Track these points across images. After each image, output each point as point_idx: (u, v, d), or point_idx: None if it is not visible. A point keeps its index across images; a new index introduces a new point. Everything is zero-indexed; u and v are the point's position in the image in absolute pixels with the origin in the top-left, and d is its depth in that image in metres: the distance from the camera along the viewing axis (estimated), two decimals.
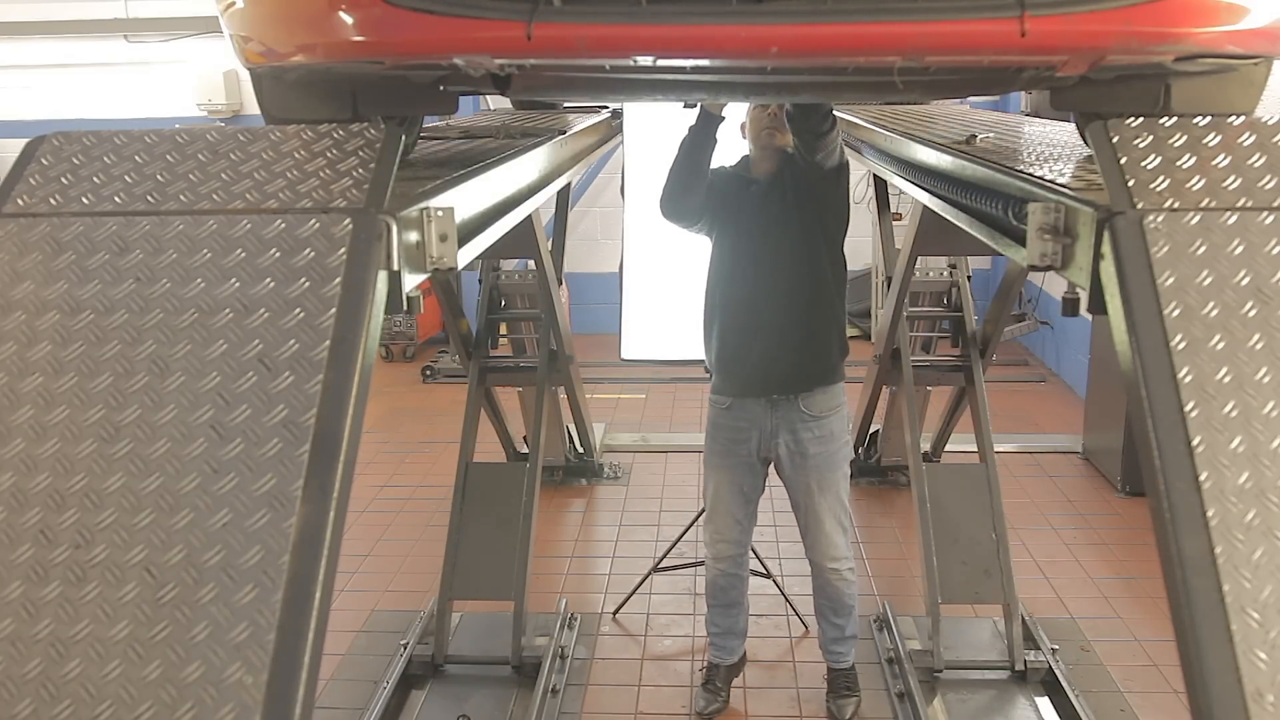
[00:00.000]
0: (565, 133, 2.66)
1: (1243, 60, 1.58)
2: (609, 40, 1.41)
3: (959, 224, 1.96)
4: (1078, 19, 1.35)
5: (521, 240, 3.75)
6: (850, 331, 7.84)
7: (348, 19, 1.44)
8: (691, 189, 3.08)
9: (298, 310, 1.26)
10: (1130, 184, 1.34)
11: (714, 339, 3.23)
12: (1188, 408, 1.15)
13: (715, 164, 3.18)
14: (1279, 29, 1.47)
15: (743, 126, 3.23)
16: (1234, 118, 1.46)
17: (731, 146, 3.21)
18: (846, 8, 1.35)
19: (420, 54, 1.48)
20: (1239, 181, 1.34)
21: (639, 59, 1.50)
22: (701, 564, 4.32)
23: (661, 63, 1.56)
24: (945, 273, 4.53)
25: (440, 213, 1.44)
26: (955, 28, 1.35)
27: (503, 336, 4.95)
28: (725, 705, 3.47)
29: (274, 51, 1.65)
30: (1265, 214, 1.30)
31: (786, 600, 4.07)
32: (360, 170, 1.43)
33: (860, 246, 8.10)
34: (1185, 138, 1.41)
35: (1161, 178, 1.35)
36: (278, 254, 1.31)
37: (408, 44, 1.44)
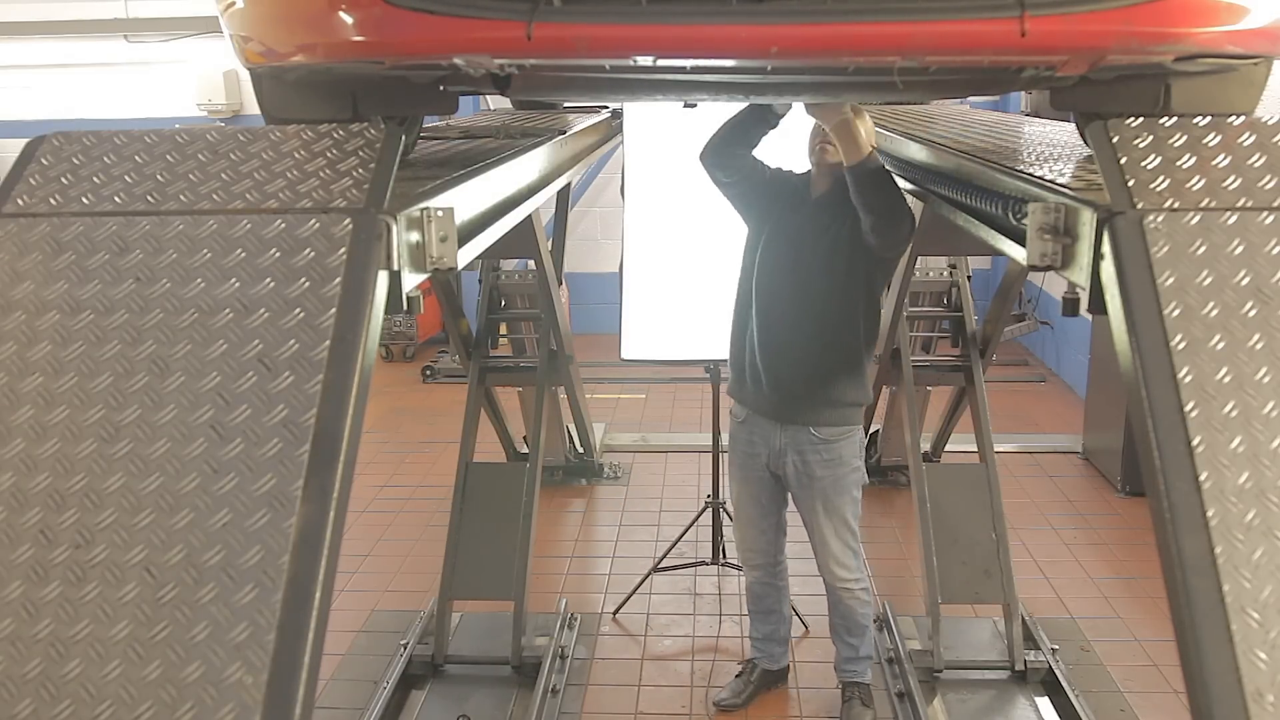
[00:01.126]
0: (565, 133, 2.66)
1: (1243, 60, 1.58)
2: (609, 40, 1.41)
3: (959, 224, 1.97)
4: (1078, 19, 1.35)
5: (521, 240, 3.75)
6: None
7: (348, 19, 1.44)
8: (734, 148, 3.00)
9: (298, 310, 1.26)
10: (1130, 184, 1.35)
11: (735, 344, 3.17)
12: (1188, 408, 1.15)
13: (786, 169, 3.13)
14: (1277, 29, 1.47)
15: (809, 145, 3.08)
16: (1234, 118, 1.46)
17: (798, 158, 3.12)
18: (846, 8, 1.35)
19: (420, 54, 1.48)
20: (1239, 181, 1.34)
21: (639, 59, 1.50)
22: (702, 564, 4.35)
23: (662, 63, 1.56)
24: (945, 273, 4.53)
25: (440, 213, 1.44)
26: (955, 28, 1.35)
27: (503, 336, 4.95)
28: (743, 704, 3.45)
29: (274, 51, 1.65)
30: (1265, 214, 1.30)
31: (794, 610, 4.06)
32: (360, 170, 1.43)
33: None
34: (1185, 138, 1.41)
35: (1161, 178, 1.35)
36: (278, 254, 1.31)
37: (408, 44, 1.44)
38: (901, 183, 2.71)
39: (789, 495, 3.28)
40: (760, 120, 2.97)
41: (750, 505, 3.28)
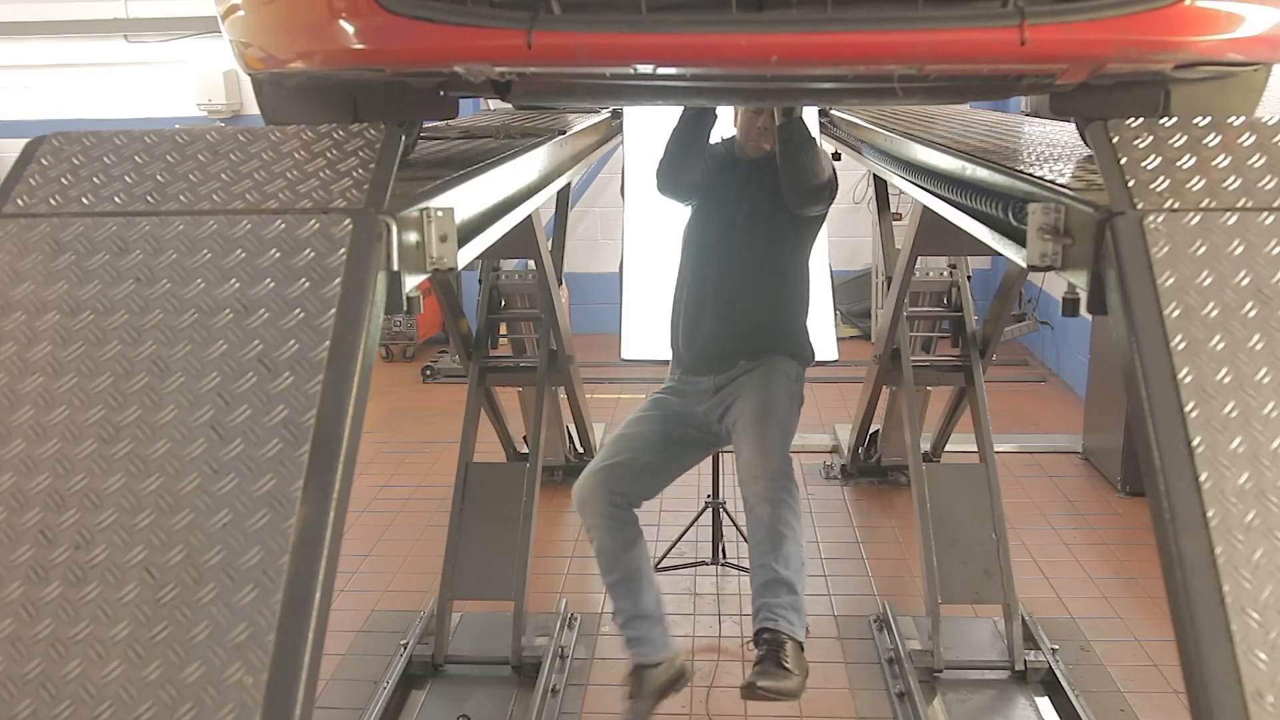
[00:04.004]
0: (565, 133, 2.66)
1: (1242, 67, 1.58)
2: (609, 48, 1.41)
3: (959, 224, 1.97)
4: (1077, 28, 1.35)
5: (521, 240, 3.75)
6: (850, 331, 7.94)
7: (348, 27, 1.44)
8: (688, 162, 3.06)
9: (297, 310, 1.26)
10: (1130, 184, 1.35)
11: (673, 320, 3.21)
12: (1188, 408, 1.15)
13: (714, 143, 3.18)
14: (1277, 36, 1.47)
15: (735, 112, 3.20)
16: (1234, 119, 1.46)
17: (725, 124, 3.21)
18: (846, 17, 1.35)
19: (421, 62, 1.48)
20: (1239, 182, 1.34)
21: (639, 67, 1.50)
22: (702, 564, 4.34)
23: (662, 70, 1.56)
24: (945, 273, 4.53)
25: (440, 213, 1.44)
26: (955, 36, 1.35)
27: (503, 336, 4.95)
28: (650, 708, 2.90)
29: (274, 58, 1.65)
30: (1265, 214, 1.30)
31: None
32: (360, 171, 1.43)
33: (860, 246, 8.11)
34: (1185, 138, 1.41)
35: (1161, 178, 1.35)
36: (278, 254, 1.31)
37: (408, 52, 1.44)
38: (901, 183, 2.71)
39: (689, 462, 3.14)
40: (700, 120, 3.02)
41: (650, 431, 2.98)
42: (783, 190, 2.99)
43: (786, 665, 2.56)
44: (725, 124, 3.20)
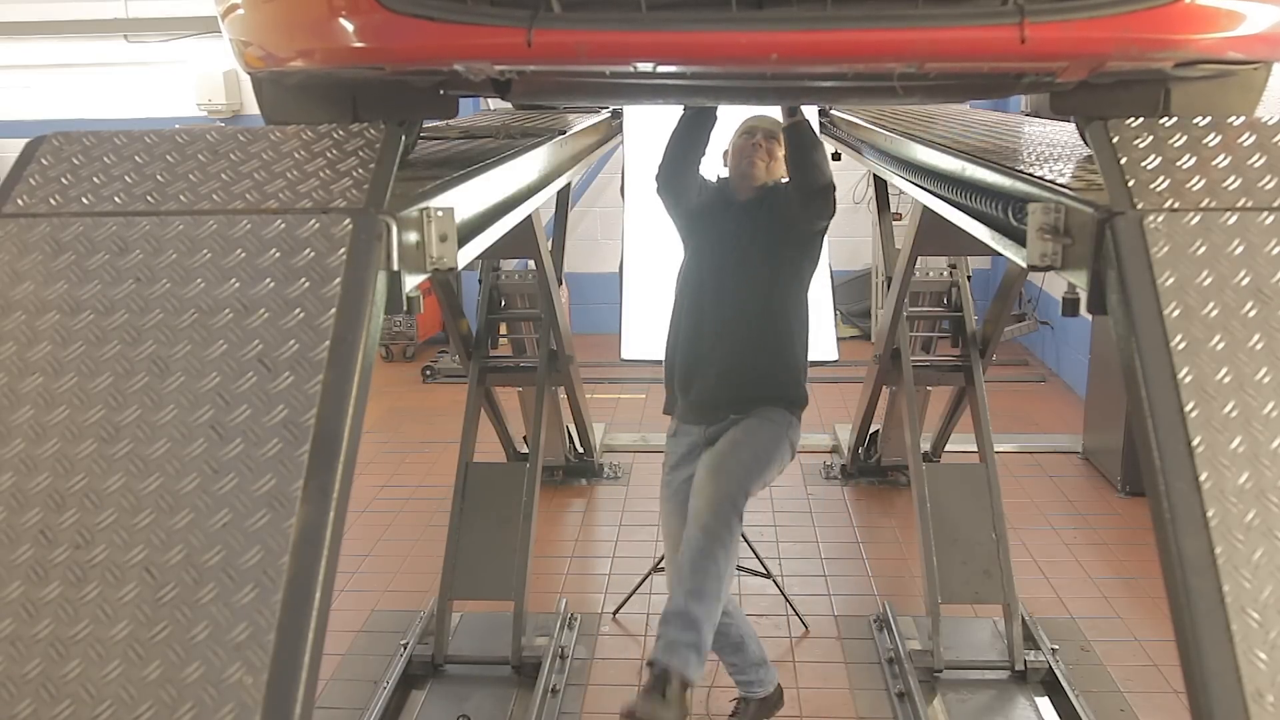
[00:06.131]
0: (565, 133, 2.66)
1: (1242, 65, 1.58)
2: (609, 47, 1.41)
3: (959, 224, 1.97)
4: (1077, 26, 1.35)
5: (521, 240, 3.75)
6: (850, 331, 7.95)
7: (348, 25, 1.44)
8: (689, 162, 3.04)
9: (298, 310, 1.26)
10: (1130, 184, 1.35)
11: (668, 357, 3.16)
12: (1188, 408, 1.15)
13: (710, 180, 3.15)
14: (1277, 34, 1.47)
15: (725, 154, 3.16)
16: (1234, 119, 1.46)
17: (713, 164, 3.18)
18: (846, 14, 1.35)
19: (420, 60, 1.48)
20: (1239, 182, 1.34)
21: (639, 65, 1.50)
22: None
23: (662, 69, 1.56)
24: (945, 273, 4.53)
25: (440, 213, 1.44)
26: (954, 34, 1.35)
27: (503, 336, 4.95)
28: None
29: (274, 56, 1.65)
30: (1265, 214, 1.30)
31: (786, 600, 4.06)
32: (360, 170, 1.43)
33: (860, 246, 8.11)
34: (1185, 138, 1.41)
35: (1161, 178, 1.35)
36: (278, 254, 1.31)
37: (408, 50, 1.44)
38: (901, 183, 2.71)
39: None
40: (702, 121, 3.00)
41: (673, 530, 3.01)
42: (791, 197, 2.95)
43: (668, 699, 2.52)
44: (724, 132, 3.18)
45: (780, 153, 3.02)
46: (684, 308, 3.11)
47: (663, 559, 4.26)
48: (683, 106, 2.99)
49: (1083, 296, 1.37)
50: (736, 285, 3.01)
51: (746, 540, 4.27)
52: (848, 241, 7.89)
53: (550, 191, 2.45)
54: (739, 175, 3.09)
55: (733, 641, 3.09)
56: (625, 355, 4.26)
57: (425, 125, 2.33)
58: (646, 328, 4.21)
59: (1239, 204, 1.32)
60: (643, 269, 4.29)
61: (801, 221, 2.98)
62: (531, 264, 4.24)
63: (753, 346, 2.99)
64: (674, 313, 3.16)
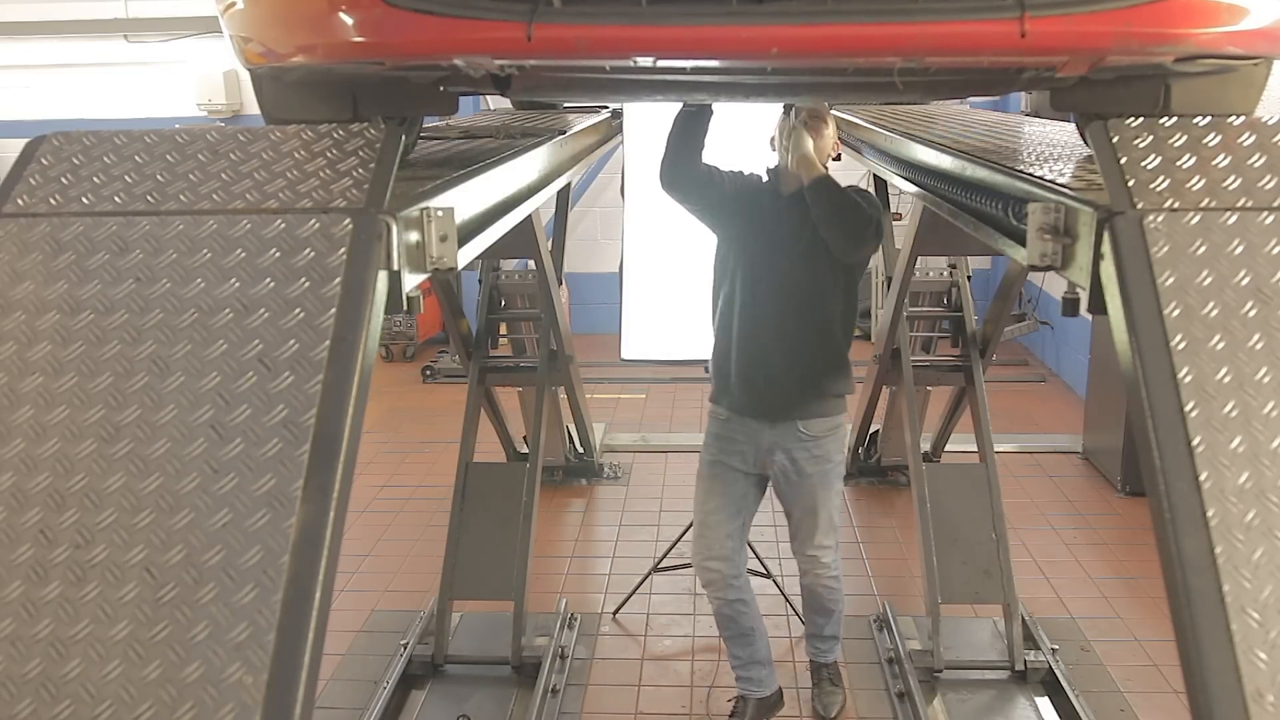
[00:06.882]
0: (565, 133, 2.66)
1: (1242, 61, 1.58)
2: (609, 41, 1.41)
3: (959, 224, 1.97)
4: (1077, 20, 1.35)
5: (521, 240, 3.75)
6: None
7: (348, 20, 1.44)
8: (688, 157, 3.01)
9: (298, 310, 1.26)
10: (1130, 184, 1.35)
11: (720, 349, 3.16)
12: (1188, 408, 1.15)
13: (748, 172, 3.14)
14: (1277, 30, 1.47)
15: (772, 140, 3.13)
16: (1234, 118, 1.46)
17: (760, 156, 3.16)
18: (846, 9, 1.35)
19: (420, 55, 1.48)
20: (1239, 181, 1.34)
21: (639, 60, 1.50)
22: None
23: (662, 63, 1.56)
24: (945, 273, 4.53)
25: (440, 213, 1.44)
26: (955, 29, 1.35)
27: (503, 336, 4.95)
28: None
29: (274, 52, 1.65)
30: (1265, 214, 1.30)
31: (786, 600, 4.07)
32: (360, 170, 1.43)
33: None
34: (1185, 138, 1.41)
35: (1161, 178, 1.35)
36: (278, 254, 1.31)
37: (408, 45, 1.44)
38: (901, 183, 2.71)
39: (759, 499, 3.27)
40: (697, 116, 2.97)
41: (722, 506, 3.16)
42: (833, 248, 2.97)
43: (837, 685, 3.50)
44: (726, 125, 3.17)
45: (828, 131, 3.03)
46: (735, 299, 3.09)
47: (663, 558, 4.27)
48: (682, 103, 2.99)
49: (1083, 296, 1.37)
50: (793, 280, 3.02)
51: (747, 540, 4.28)
52: None
53: (550, 191, 2.45)
54: (784, 164, 3.04)
55: (743, 631, 3.21)
56: (625, 355, 4.26)
57: (425, 125, 2.33)
58: (647, 328, 4.21)
59: (1239, 204, 1.32)
60: (643, 269, 4.29)
61: (842, 258, 3.01)
62: (531, 264, 4.23)
63: (811, 343, 3.05)
64: (723, 303, 3.15)
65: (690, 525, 4.34)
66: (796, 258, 3.02)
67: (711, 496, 3.19)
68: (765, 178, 3.16)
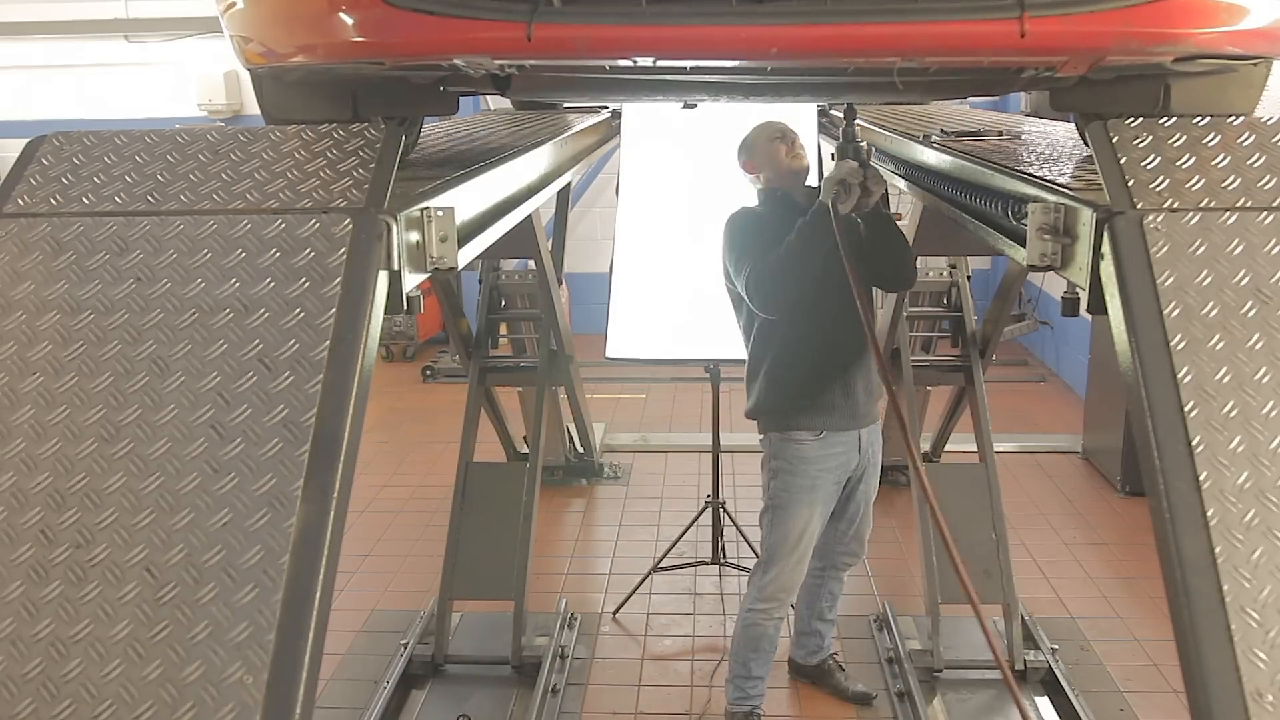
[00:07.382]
0: (565, 133, 2.66)
1: (1242, 61, 1.58)
2: (609, 41, 1.41)
3: (959, 224, 1.97)
4: (1077, 20, 1.35)
5: (521, 240, 3.75)
6: None
7: (348, 20, 1.44)
8: (802, 284, 2.84)
9: (298, 310, 1.26)
10: (1130, 184, 1.35)
11: (806, 375, 3.05)
12: (1188, 408, 1.15)
13: (756, 214, 3.04)
14: (1278, 29, 1.48)
15: (745, 164, 3.05)
16: (1233, 118, 1.46)
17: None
18: (846, 8, 1.35)
19: (421, 55, 1.49)
20: (1238, 181, 1.35)
21: (639, 59, 1.50)
22: (702, 564, 4.34)
23: (661, 63, 1.56)
24: (945, 273, 4.53)
25: (440, 213, 1.44)
26: (955, 28, 1.36)
27: (503, 336, 4.95)
28: None
29: (274, 52, 1.65)
30: (1265, 214, 1.30)
31: (790, 607, 4.05)
32: (360, 170, 1.43)
33: None
34: (1185, 138, 1.41)
35: (1161, 178, 1.35)
36: (278, 254, 1.31)
37: (408, 45, 1.45)
38: (901, 183, 2.71)
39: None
40: (820, 242, 2.72)
41: (818, 532, 3.13)
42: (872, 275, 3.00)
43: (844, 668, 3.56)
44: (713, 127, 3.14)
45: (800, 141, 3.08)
46: (815, 325, 2.99)
47: (663, 558, 4.27)
48: (679, 103, 2.94)
49: (1083, 296, 1.37)
50: (844, 289, 2.80)
51: (747, 540, 4.28)
52: None
53: (550, 191, 2.45)
54: (791, 174, 3.00)
55: (772, 647, 3.21)
56: (610, 354, 4.19)
57: (425, 125, 2.33)
58: (634, 326, 4.18)
59: (1238, 204, 1.32)
60: (633, 267, 4.27)
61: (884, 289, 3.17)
62: (531, 264, 4.23)
63: (865, 344, 3.06)
64: (800, 329, 3.00)
65: (691, 523, 4.38)
66: (842, 264, 2.85)
67: (814, 521, 3.10)
68: (806, 198, 2.97)
